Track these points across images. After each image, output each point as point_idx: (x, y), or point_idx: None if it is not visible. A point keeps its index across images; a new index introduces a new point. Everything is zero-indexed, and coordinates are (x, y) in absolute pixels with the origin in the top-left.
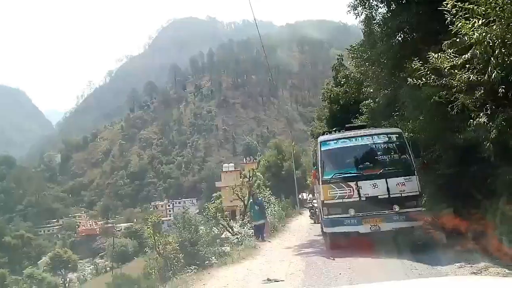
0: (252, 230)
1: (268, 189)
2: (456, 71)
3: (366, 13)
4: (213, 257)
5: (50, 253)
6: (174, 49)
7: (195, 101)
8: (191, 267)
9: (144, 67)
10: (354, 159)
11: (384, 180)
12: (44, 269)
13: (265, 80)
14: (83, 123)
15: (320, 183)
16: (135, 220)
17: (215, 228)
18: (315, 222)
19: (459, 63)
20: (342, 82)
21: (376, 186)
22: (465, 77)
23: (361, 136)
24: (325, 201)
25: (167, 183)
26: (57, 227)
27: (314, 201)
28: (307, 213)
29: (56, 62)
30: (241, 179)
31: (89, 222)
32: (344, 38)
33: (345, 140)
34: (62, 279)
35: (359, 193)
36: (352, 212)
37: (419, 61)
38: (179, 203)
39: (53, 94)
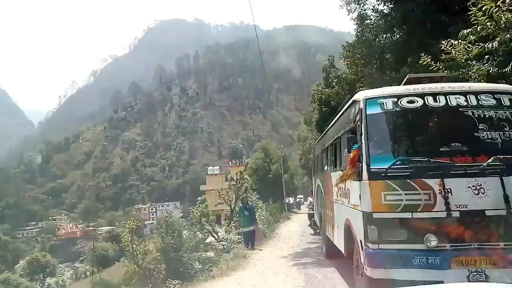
0: (240, 237)
1: (255, 193)
2: (474, 62)
3: (359, 10)
4: (197, 263)
5: (28, 257)
6: (160, 51)
7: (180, 103)
8: (173, 282)
9: (129, 68)
10: (434, 136)
11: (497, 178)
12: (21, 274)
13: (251, 83)
14: (65, 123)
15: (365, 177)
16: (116, 223)
17: (199, 232)
18: (316, 233)
19: (475, 52)
20: (334, 83)
21: (481, 190)
22: (483, 69)
23: (445, 93)
24: (374, 214)
25: (151, 186)
26: (36, 230)
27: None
28: (295, 217)
29: (38, 60)
30: (228, 182)
31: (69, 225)
32: (330, 44)
33: (414, 98)
34: (40, 284)
35: (447, 203)
36: (432, 240)
37: (427, 56)
38: (163, 206)
39: (35, 93)
